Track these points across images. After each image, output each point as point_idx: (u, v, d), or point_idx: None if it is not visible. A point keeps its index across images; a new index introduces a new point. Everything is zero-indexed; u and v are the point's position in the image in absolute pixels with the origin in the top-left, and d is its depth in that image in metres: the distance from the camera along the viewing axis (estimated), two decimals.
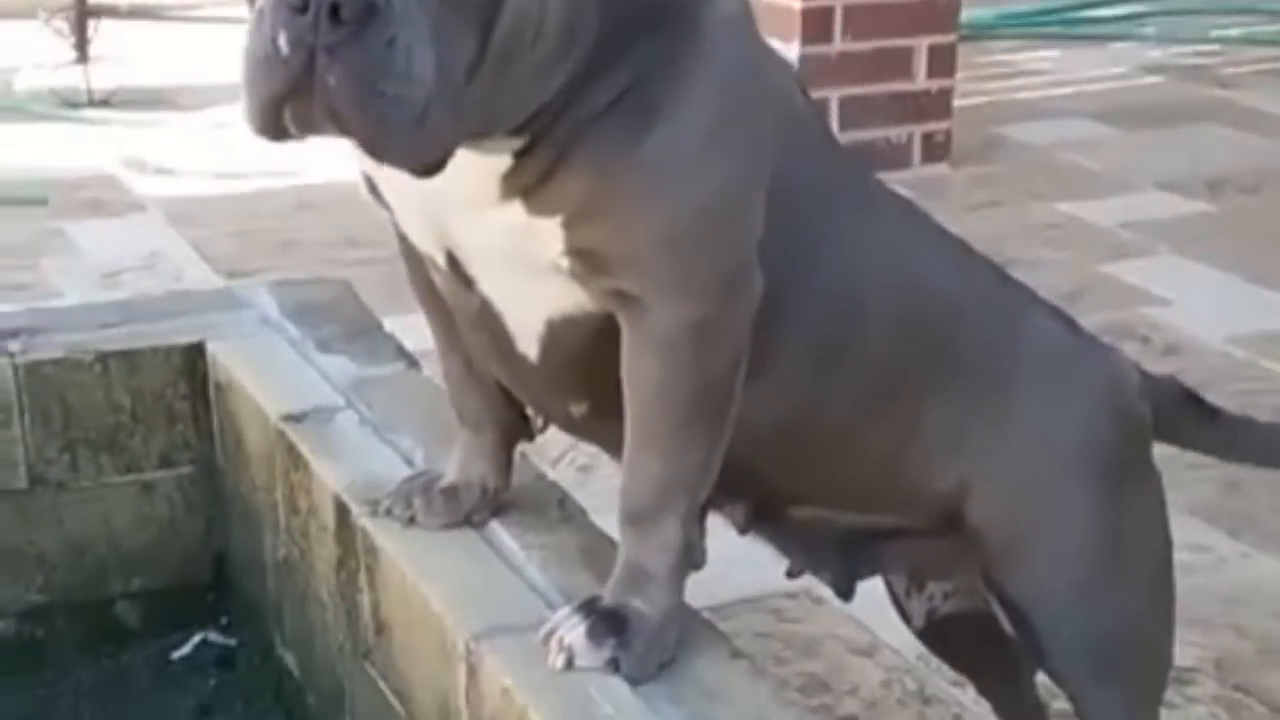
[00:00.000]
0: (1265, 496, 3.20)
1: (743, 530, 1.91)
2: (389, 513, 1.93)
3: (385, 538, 1.91)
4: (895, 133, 5.24)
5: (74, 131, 5.61)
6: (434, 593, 1.80)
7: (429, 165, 1.47)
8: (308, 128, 1.41)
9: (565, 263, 1.61)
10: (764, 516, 1.89)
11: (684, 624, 1.69)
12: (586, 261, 1.60)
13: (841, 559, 1.94)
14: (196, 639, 2.45)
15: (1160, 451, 1.96)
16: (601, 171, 1.56)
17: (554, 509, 1.96)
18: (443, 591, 1.79)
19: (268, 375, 2.33)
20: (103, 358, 2.37)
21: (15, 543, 2.39)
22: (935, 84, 5.27)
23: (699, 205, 1.60)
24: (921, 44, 5.24)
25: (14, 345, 2.36)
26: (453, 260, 1.69)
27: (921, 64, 5.25)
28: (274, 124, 1.41)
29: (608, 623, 1.65)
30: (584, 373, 1.71)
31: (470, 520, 1.92)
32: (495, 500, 1.93)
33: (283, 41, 1.37)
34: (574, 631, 1.64)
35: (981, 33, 6.64)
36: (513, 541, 1.88)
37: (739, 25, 1.65)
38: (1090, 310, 3.51)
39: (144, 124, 5.69)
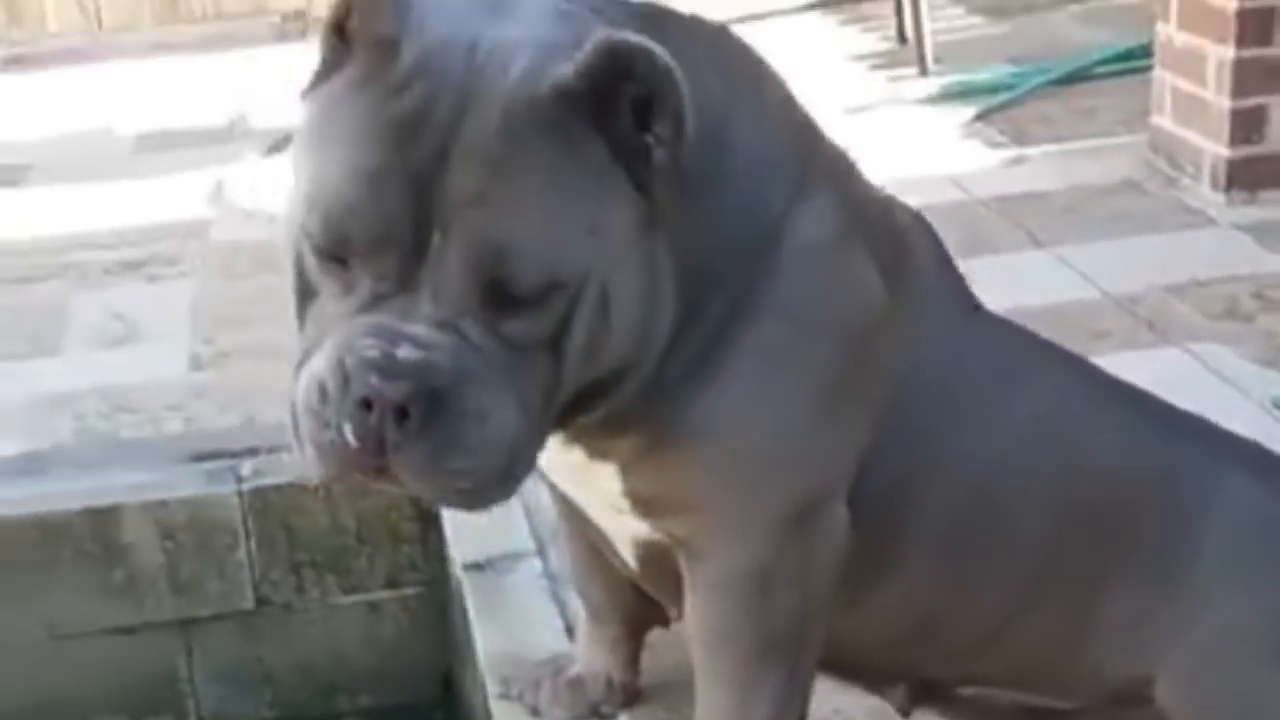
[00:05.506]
0: None
1: (905, 713, 1.76)
2: (520, 697, 1.87)
3: None
4: None
5: None
6: None
7: None
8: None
9: (625, 504, 1.54)
10: (926, 699, 1.75)
11: None
12: (643, 506, 1.54)
13: None
14: None
15: None
16: (655, 425, 1.48)
17: (691, 703, 1.83)
18: None
19: None
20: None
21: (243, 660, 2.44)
22: None
23: (752, 453, 1.50)
24: None
25: (245, 470, 2.40)
26: None
27: None
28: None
29: None
30: (679, 585, 1.61)
31: (598, 713, 1.84)
32: (623, 692, 1.84)
33: (349, 433, 1.28)
34: None
35: None
36: None
37: (820, 255, 1.52)
38: None
39: None
